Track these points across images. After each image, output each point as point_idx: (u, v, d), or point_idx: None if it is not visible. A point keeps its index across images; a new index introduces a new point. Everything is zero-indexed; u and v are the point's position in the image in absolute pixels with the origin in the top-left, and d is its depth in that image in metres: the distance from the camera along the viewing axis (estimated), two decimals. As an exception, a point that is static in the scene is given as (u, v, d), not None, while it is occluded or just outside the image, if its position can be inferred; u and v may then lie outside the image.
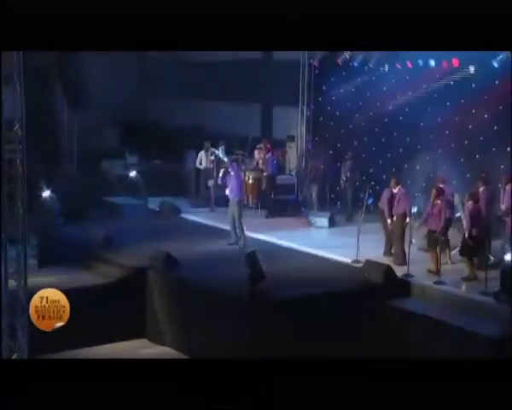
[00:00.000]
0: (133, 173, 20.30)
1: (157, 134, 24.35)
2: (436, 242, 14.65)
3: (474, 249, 14.37)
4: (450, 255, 15.26)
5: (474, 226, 14.24)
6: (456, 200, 15.36)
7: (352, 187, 19.22)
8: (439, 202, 14.76)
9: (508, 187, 15.35)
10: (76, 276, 14.94)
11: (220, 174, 18.10)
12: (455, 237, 15.35)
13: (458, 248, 14.88)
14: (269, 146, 21.00)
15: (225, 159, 17.71)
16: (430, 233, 14.84)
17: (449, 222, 14.88)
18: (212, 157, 20.36)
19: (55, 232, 16.97)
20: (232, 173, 16.76)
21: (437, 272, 14.34)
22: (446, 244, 15.04)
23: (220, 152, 18.32)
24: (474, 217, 14.27)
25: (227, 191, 16.96)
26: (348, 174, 19.37)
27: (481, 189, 15.11)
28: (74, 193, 19.10)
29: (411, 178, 16.79)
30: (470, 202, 14.42)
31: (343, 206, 19.76)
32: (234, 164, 16.99)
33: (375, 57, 19.10)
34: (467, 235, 14.34)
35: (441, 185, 15.25)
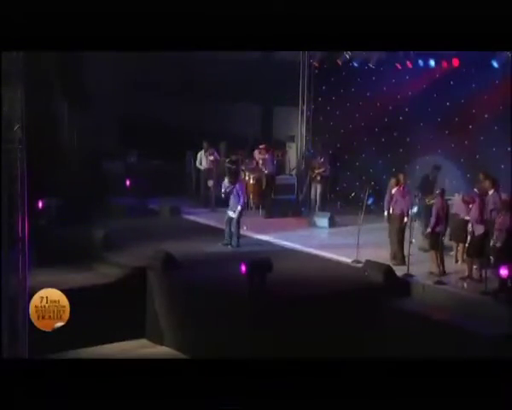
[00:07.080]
0: (133, 173, 20.30)
1: (157, 134, 24.31)
2: (440, 243, 14.63)
3: (480, 250, 14.28)
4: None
5: (481, 227, 14.21)
6: (457, 200, 15.33)
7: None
8: (438, 203, 14.74)
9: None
10: (76, 276, 14.96)
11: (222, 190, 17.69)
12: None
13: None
14: (269, 149, 20.98)
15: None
16: (437, 234, 14.73)
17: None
18: (212, 157, 20.34)
19: (56, 232, 16.96)
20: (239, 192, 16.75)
21: (442, 273, 14.38)
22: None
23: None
24: (480, 218, 14.21)
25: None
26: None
27: (491, 192, 14.57)
28: (74, 193, 19.07)
29: (411, 178, 16.78)
30: (476, 204, 14.31)
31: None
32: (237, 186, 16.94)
33: (375, 57, 19.10)
34: (473, 236, 14.35)
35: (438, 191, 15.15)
